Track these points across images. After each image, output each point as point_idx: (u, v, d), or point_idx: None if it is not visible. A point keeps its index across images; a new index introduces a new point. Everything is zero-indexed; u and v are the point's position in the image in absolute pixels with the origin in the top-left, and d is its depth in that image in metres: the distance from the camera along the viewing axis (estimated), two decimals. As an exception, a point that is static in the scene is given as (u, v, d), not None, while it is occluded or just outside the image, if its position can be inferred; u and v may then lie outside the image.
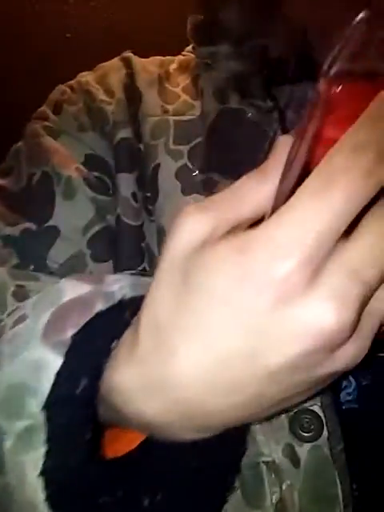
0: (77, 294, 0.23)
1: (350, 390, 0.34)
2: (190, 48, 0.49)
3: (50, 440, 0.21)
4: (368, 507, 0.31)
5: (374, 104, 0.17)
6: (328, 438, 0.30)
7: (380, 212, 0.18)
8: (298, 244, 0.17)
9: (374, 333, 0.19)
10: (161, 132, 0.41)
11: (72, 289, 0.24)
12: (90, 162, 0.41)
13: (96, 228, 0.39)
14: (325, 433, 0.30)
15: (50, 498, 0.20)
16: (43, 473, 0.20)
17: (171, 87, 0.44)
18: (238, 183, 0.21)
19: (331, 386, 0.30)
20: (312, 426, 0.30)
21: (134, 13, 1.68)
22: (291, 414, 0.31)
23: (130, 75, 0.45)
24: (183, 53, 0.49)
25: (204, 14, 0.46)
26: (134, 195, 0.40)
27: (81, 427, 0.21)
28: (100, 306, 0.23)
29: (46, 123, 0.43)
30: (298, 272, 0.17)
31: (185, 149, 0.40)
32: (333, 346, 0.18)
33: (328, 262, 0.17)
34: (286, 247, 0.17)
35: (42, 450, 0.21)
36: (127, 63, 0.46)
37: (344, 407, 0.34)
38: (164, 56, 0.51)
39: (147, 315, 0.20)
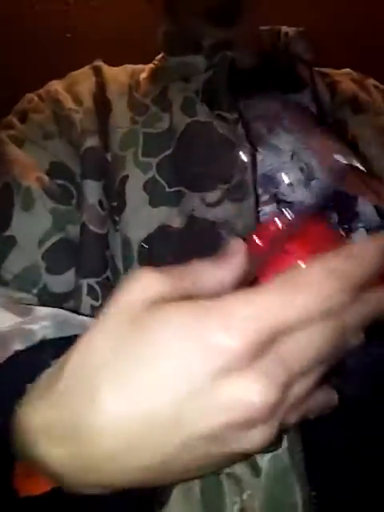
0: None
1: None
2: (160, 57, 0.49)
3: None
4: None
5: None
6: (287, 447, 0.31)
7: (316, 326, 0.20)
8: (255, 325, 0.18)
9: (284, 422, 0.21)
10: (130, 143, 0.42)
11: None
12: (55, 169, 0.41)
13: (53, 240, 0.39)
14: (285, 443, 0.31)
15: None
16: None
17: (140, 97, 0.45)
18: (198, 265, 0.21)
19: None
20: None
21: (134, 13, 1.68)
22: None
23: (100, 84, 0.45)
24: (154, 61, 0.49)
25: (173, 25, 0.46)
26: (100, 203, 0.40)
27: None
28: (18, 345, 0.22)
29: (12, 132, 0.43)
30: (245, 349, 0.18)
31: (153, 161, 0.40)
32: (253, 422, 0.19)
33: (271, 346, 0.19)
34: (242, 323, 0.18)
35: None
36: (97, 72, 0.46)
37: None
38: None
39: (79, 355, 0.20)
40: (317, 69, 0.50)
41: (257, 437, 0.19)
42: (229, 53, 0.43)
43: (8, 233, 0.39)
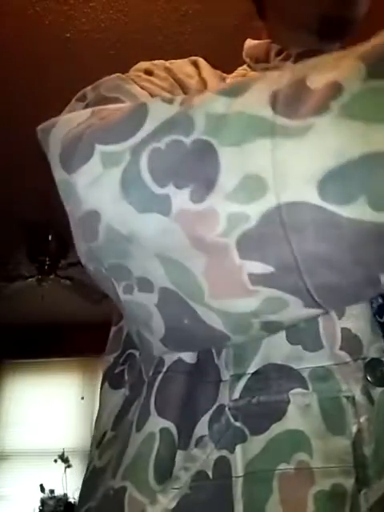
0: None
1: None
2: (244, 66, 0.55)
3: None
4: None
5: None
6: None
7: None
8: None
9: None
10: None
11: None
12: None
13: None
14: None
15: None
16: None
17: None
18: None
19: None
20: (380, 374, 0.36)
21: (134, 13, 1.72)
22: (366, 361, 0.37)
23: (199, 70, 0.51)
24: (238, 69, 0.55)
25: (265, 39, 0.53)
26: None
27: None
28: None
29: (140, 79, 0.46)
30: None
31: None
32: None
33: None
34: None
35: None
36: (194, 63, 0.52)
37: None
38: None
39: None
40: None
41: None
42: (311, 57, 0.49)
43: None
